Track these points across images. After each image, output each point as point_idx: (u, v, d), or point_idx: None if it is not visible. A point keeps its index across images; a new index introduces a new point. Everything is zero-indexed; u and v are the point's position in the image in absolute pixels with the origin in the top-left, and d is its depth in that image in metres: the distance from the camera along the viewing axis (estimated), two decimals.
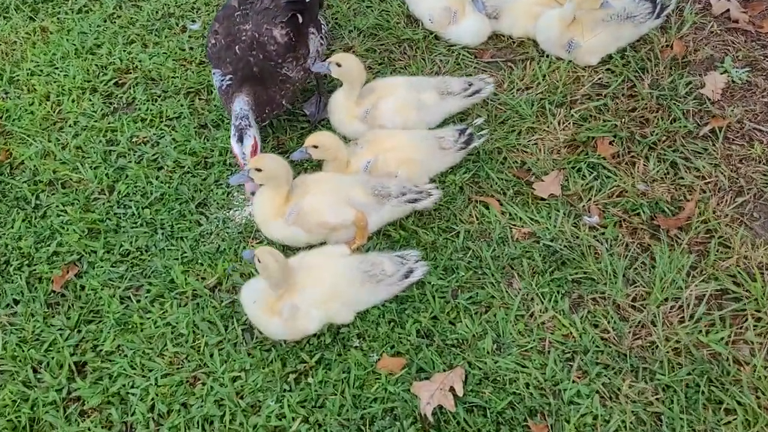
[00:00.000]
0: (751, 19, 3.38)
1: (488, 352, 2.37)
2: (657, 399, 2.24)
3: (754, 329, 2.35)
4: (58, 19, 3.86)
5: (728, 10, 3.40)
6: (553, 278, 2.54)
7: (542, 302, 2.49)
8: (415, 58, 3.39)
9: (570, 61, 3.24)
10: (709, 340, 2.34)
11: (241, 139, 2.66)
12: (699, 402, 2.21)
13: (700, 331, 2.37)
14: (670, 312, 2.43)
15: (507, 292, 2.52)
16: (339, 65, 2.82)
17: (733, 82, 3.14)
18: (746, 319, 2.39)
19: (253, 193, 2.68)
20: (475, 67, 3.33)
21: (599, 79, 3.20)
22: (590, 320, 2.43)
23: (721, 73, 3.15)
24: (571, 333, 2.40)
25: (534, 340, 2.39)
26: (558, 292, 2.51)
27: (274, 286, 2.35)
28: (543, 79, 3.22)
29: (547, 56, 3.31)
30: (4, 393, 2.39)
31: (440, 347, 2.40)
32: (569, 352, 2.36)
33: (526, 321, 2.45)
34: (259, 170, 2.51)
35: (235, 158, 2.71)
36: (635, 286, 2.51)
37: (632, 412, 2.20)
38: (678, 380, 2.26)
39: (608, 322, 2.42)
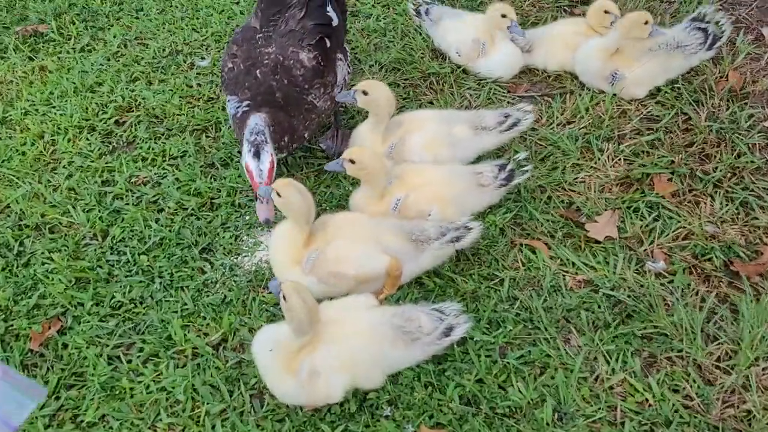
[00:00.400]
0: None
1: (548, 424, 1.95)
2: None
3: None
4: (58, 58, 3.63)
5: None
6: (619, 333, 2.15)
7: (608, 362, 2.09)
8: (443, 92, 3.10)
9: (614, 94, 2.95)
10: None
11: (257, 155, 2.32)
12: None
13: None
14: (763, 374, 2.03)
15: (565, 350, 2.12)
16: (366, 93, 2.52)
17: None
18: None
19: (267, 221, 2.33)
20: (508, 102, 3.03)
21: (648, 112, 2.89)
22: (668, 384, 2.03)
23: None
24: (647, 400, 1.99)
25: (603, 409, 1.98)
26: (626, 350, 2.11)
27: (297, 331, 1.96)
28: (586, 113, 2.91)
29: (588, 89, 3.02)
30: None
31: (489, 417, 1.98)
32: (647, 424, 1.95)
33: (591, 385, 2.04)
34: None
35: (250, 177, 2.36)
36: (718, 343, 2.11)
37: None
38: None
39: (691, 387, 2.01)
